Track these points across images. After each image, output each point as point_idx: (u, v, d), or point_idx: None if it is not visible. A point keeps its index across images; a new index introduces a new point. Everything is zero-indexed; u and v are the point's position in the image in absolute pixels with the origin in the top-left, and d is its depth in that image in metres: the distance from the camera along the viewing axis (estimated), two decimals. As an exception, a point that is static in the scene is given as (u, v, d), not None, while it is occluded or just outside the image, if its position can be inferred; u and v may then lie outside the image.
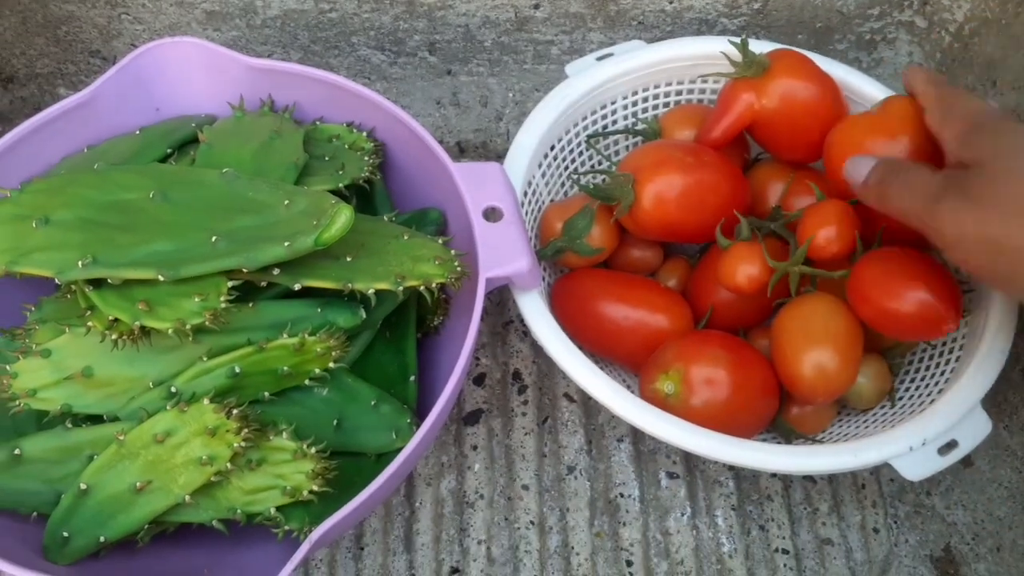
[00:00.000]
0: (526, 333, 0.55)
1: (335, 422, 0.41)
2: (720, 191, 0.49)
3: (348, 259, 0.40)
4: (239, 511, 0.38)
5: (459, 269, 0.41)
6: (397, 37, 0.60)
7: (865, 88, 0.52)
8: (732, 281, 0.47)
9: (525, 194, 0.50)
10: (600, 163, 0.55)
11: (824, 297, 0.47)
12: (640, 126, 0.55)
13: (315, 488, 0.38)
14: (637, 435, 0.52)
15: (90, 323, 0.37)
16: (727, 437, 0.42)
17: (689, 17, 0.60)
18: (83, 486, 0.37)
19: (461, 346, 0.40)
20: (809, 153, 0.51)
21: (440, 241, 0.43)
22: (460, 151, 0.62)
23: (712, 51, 0.51)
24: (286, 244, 0.37)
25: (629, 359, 0.51)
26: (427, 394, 0.45)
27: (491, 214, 0.44)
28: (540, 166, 0.51)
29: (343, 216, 0.38)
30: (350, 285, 0.39)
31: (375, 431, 0.41)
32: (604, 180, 0.49)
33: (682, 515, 0.49)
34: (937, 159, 0.44)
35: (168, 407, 0.38)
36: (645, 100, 0.55)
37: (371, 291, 0.39)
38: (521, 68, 0.63)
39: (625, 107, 0.54)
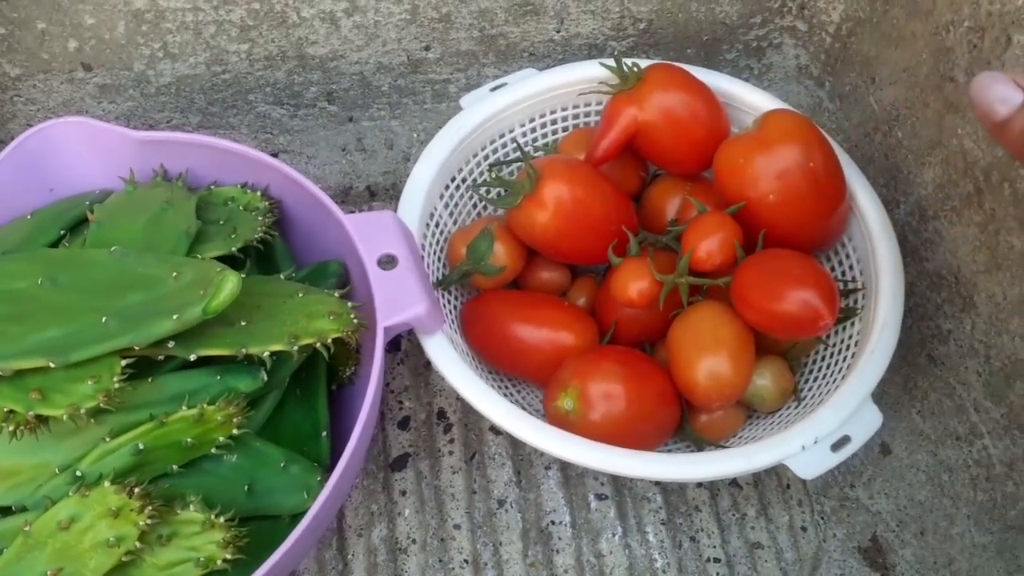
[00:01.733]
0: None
1: (246, 487, 0.41)
2: (612, 206, 0.50)
3: (243, 323, 0.40)
4: None
5: (355, 322, 0.41)
6: (294, 91, 0.61)
7: (748, 96, 0.54)
8: (625, 296, 0.48)
9: (428, 226, 0.50)
10: (488, 195, 0.56)
11: (713, 305, 0.48)
12: (539, 152, 0.56)
13: (228, 556, 0.38)
14: (563, 461, 0.52)
15: None
16: (619, 450, 0.43)
17: (578, 44, 0.61)
18: None
19: (353, 405, 0.41)
20: (695, 163, 0.53)
21: (337, 294, 0.43)
22: (371, 195, 0.63)
23: (601, 74, 0.53)
24: (175, 317, 0.38)
25: (538, 377, 0.52)
26: (343, 446, 0.46)
27: (387, 263, 0.44)
28: (442, 197, 0.52)
29: (229, 283, 0.38)
30: (244, 350, 0.39)
31: (286, 492, 0.42)
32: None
33: (613, 535, 0.50)
34: (825, 179, 0.46)
35: (71, 492, 0.38)
36: (543, 126, 0.56)
37: (266, 354, 0.39)
38: (422, 108, 0.64)
39: (524, 134, 0.55)
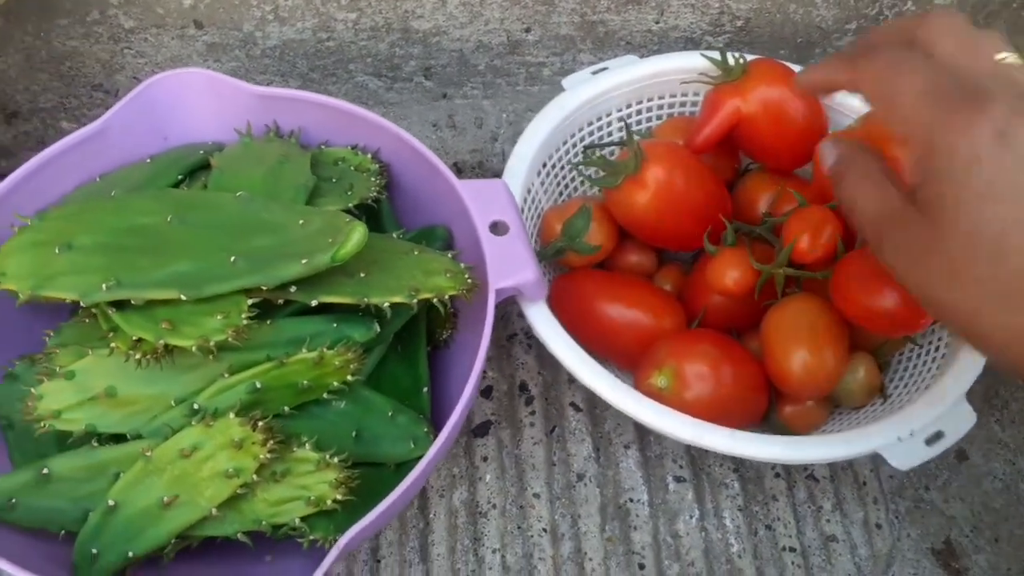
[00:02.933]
0: (531, 345, 0.56)
1: (354, 434, 0.42)
2: (709, 194, 0.51)
3: (362, 275, 0.41)
4: (264, 523, 0.39)
5: (470, 281, 0.42)
6: (393, 63, 0.62)
7: (846, 98, 0.54)
8: (720, 284, 0.49)
9: (525, 201, 0.51)
10: (589, 173, 0.57)
11: (810, 297, 0.49)
12: (634, 137, 0.56)
13: (339, 497, 0.39)
14: (643, 441, 0.53)
15: (113, 344, 0.38)
16: (723, 428, 0.44)
17: (675, 36, 0.62)
18: (111, 503, 0.38)
19: (470, 358, 0.42)
20: (792, 159, 0.54)
21: (449, 255, 0.44)
22: (457, 171, 0.64)
23: (701, 64, 0.53)
24: (303, 261, 0.38)
25: (623, 356, 0.52)
26: (438, 405, 0.47)
27: (496, 228, 0.45)
28: (539, 175, 0.53)
29: (357, 233, 0.39)
30: (366, 300, 0.40)
31: (393, 441, 0.42)
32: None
33: (691, 517, 0.50)
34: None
35: (193, 423, 0.39)
36: (639, 112, 0.57)
37: (386, 304, 0.40)
38: (514, 89, 0.65)
39: (619, 119, 0.56)
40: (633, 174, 0.49)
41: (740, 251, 0.49)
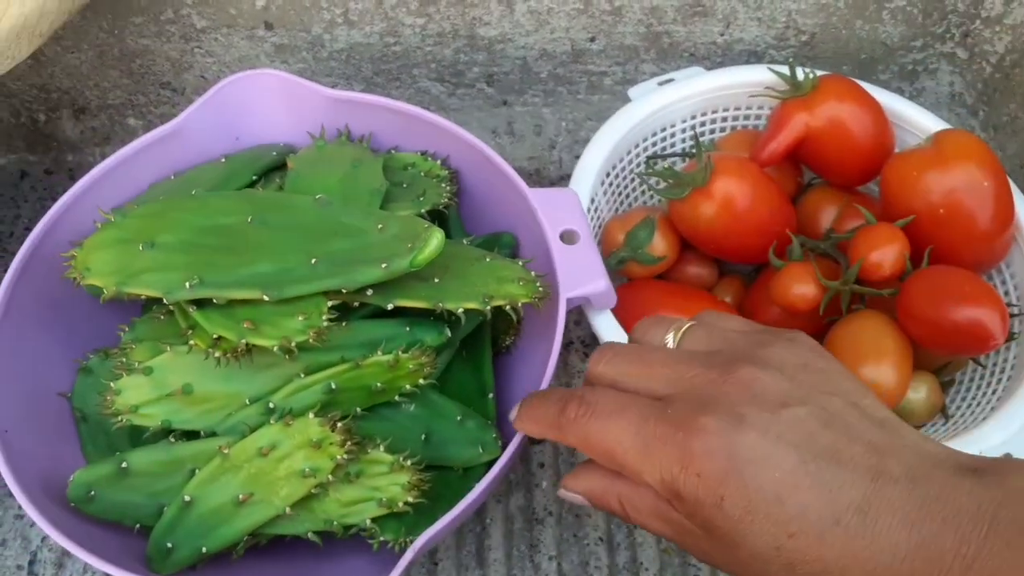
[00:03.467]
0: (587, 354, 0.57)
1: (423, 437, 0.42)
2: (776, 208, 0.51)
3: (436, 280, 0.42)
4: (335, 523, 0.39)
5: (541, 289, 0.42)
6: (457, 69, 0.63)
7: (909, 113, 0.54)
8: (786, 299, 0.49)
9: (588, 210, 0.52)
10: (656, 184, 0.57)
11: (874, 315, 0.49)
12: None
13: (410, 500, 0.39)
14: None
15: (192, 342, 0.39)
16: None
17: (739, 49, 0.62)
18: (187, 498, 0.39)
19: (533, 365, 0.42)
20: (857, 175, 0.54)
21: (520, 263, 0.44)
22: (515, 178, 0.64)
23: (767, 78, 0.54)
24: (383, 266, 0.39)
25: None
26: (501, 411, 0.47)
27: (567, 237, 0.45)
28: (603, 184, 0.53)
29: (436, 239, 0.39)
30: (441, 305, 0.40)
31: (462, 445, 0.43)
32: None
33: (747, 531, 0.50)
34: (996, 201, 0.46)
35: (272, 421, 0.39)
36: (703, 124, 0.57)
37: (460, 310, 0.41)
38: (575, 98, 0.65)
39: (684, 130, 0.56)
40: (701, 186, 0.49)
41: (807, 266, 0.49)
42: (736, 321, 0.35)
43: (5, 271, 0.42)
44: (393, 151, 0.51)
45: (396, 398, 0.42)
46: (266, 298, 0.38)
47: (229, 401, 0.41)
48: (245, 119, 0.51)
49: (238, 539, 0.39)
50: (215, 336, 0.38)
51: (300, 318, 0.38)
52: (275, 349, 0.38)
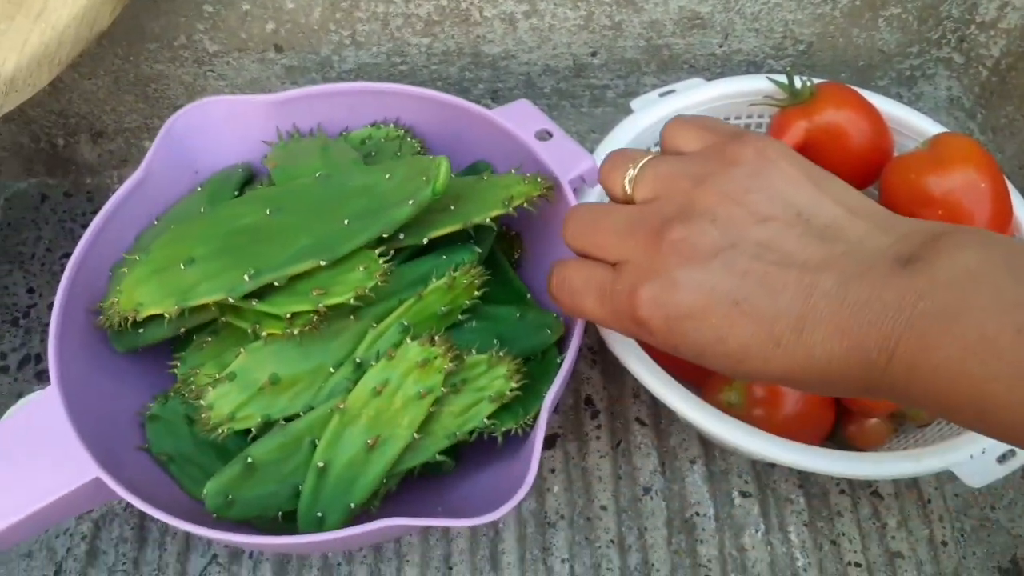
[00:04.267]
0: (595, 361, 0.58)
1: (495, 342, 0.45)
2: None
3: (452, 208, 0.45)
4: (457, 434, 0.42)
5: (546, 182, 0.46)
6: (463, 86, 0.64)
7: (906, 118, 0.55)
8: None
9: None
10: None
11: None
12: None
13: (515, 385, 0.42)
14: (709, 456, 0.54)
15: (265, 333, 0.41)
16: (797, 444, 0.45)
17: (738, 60, 0.63)
18: (320, 464, 0.41)
19: (546, 268, 0.46)
20: (858, 180, 0.54)
21: (512, 171, 0.48)
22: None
23: (766, 87, 0.55)
24: (410, 203, 0.42)
25: (690, 374, 0.53)
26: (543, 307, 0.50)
27: (541, 136, 0.49)
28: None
29: (444, 164, 0.43)
30: (471, 221, 0.44)
31: (530, 335, 0.46)
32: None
33: (756, 531, 0.51)
34: (994, 202, 0.47)
35: (373, 362, 0.42)
36: (703, 137, 0.58)
37: (488, 220, 0.44)
38: (578, 111, 0.67)
39: (686, 143, 0.57)
40: None
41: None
42: (683, 156, 0.37)
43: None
44: (344, 134, 0.53)
45: (460, 317, 0.45)
46: (323, 263, 0.40)
47: (315, 376, 0.43)
48: (199, 150, 0.52)
49: (378, 484, 0.41)
50: (288, 316, 0.40)
51: (360, 269, 0.41)
52: (351, 301, 0.40)
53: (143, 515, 0.52)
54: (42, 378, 0.59)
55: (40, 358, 0.59)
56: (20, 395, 0.55)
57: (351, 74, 0.63)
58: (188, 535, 0.51)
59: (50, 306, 0.61)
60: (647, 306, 0.33)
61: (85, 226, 0.66)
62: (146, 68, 0.61)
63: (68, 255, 0.63)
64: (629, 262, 0.35)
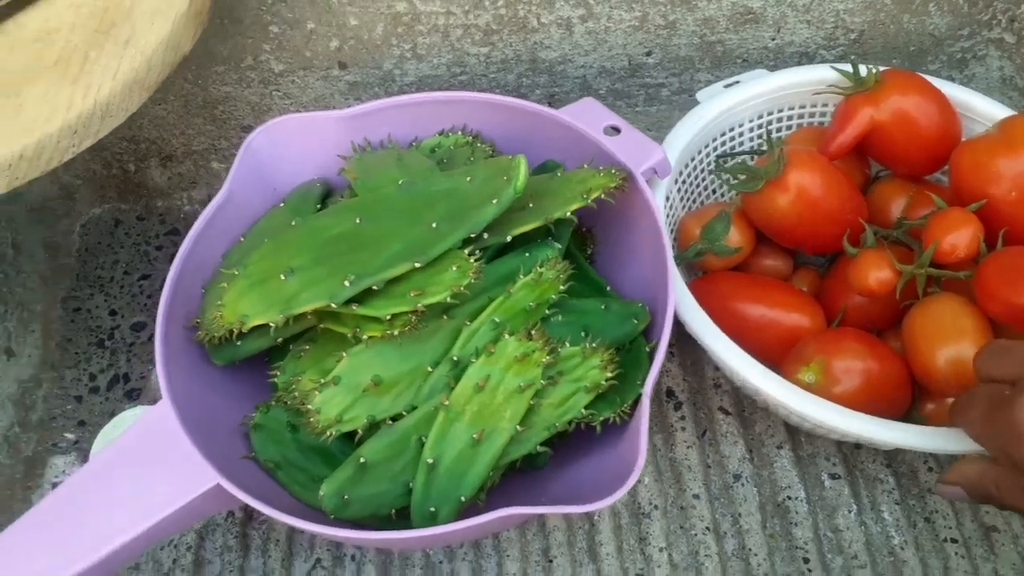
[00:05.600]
0: (673, 353, 0.58)
1: (583, 334, 0.46)
2: (847, 198, 0.53)
3: (531, 205, 0.46)
4: (556, 425, 0.43)
5: (620, 173, 0.47)
6: (520, 92, 0.65)
7: (970, 101, 0.56)
8: (864, 285, 0.51)
9: (664, 208, 0.54)
10: (731, 179, 0.59)
11: (953, 296, 0.50)
12: (765, 147, 0.59)
13: (610, 374, 0.43)
14: (795, 441, 0.55)
15: (366, 336, 0.42)
16: (884, 420, 0.45)
17: (790, 52, 0.65)
18: (430, 460, 0.42)
19: (620, 258, 0.50)
20: (924, 165, 0.56)
21: (584, 166, 0.49)
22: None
23: (829, 76, 0.56)
24: (494, 202, 0.44)
25: (763, 355, 0.54)
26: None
27: (610, 132, 0.50)
28: (676, 182, 0.56)
29: (522, 162, 0.44)
30: (552, 216, 0.45)
31: (618, 325, 0.47)
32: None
33: (849, 512, 0.52)
34: None
35: (473, 359, 0.43)
36: (769, 123, 0.59)
37: (568, 213, 0.45)
38: (633, 111, 0.68)
39: (751, 129, 0.59)
40: (775, 178, 0.51)
41: (882, 252, 0.51)
42: None
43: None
44: (413, 144, 0.54)
45: (547, 312, 0.46)
46: (417, 265, 0.42)
47: (415, 376, 0.44)
48: (276, 168, 0.53)
49: (486, 477, 0.43)
50: (388, 318, 0.42)
51: (453, 268, 0.42)
52: (448, 299, 0.42)
53: (245, 523, 0.53)
54: (131, 396, 0.60)
55: (128, 377, 0.61)
56: (112, 414, 0.56)
57: (412, 87, 0.64)
58: (291, 541, 0.52)
59: (132, 327, 0.63)
60: None
61: (159, 248, 0.68)
62: (214, 91, 0.63)
63: (146, 277, 0.65)
64: None
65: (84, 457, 0.58)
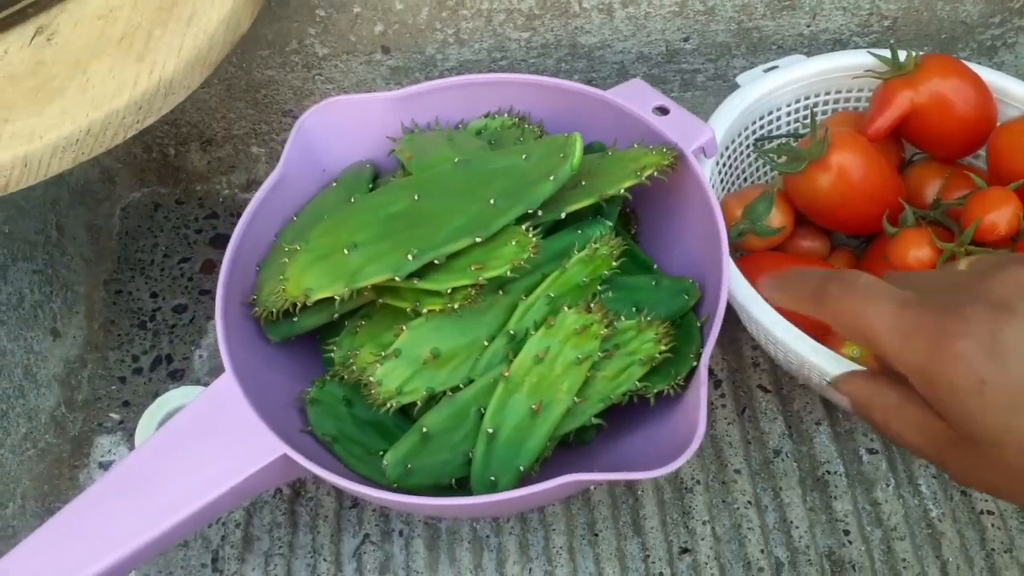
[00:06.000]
0: (712, 333, 0.59)
1: (634, 309, 0.47)
2: (887, 179, 0.54)
3: (583, 183, 0.47)
4: (611, 397, 0.44)
5: (671, 152, 0.48)
6: (559, 77, 0.66)
7: (1007, 85, 0.57)
8: (904, 263, 0.52)
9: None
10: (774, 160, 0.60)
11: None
12: (803, 130, 0.60)
13: (664, 348, 0.45)
14: (833, 418, 0.56)
15: (426, 309, 0.43)
16: None
17: (824, 38, 0.66)
18: (490, 430, 0.43)
19: (665, 238, 0.51)
20: (962, 147, 0.57)
21: (634, 145, 0.49)
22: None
23: (867, 61, 0.57)
24: (551, 178, 0.45)
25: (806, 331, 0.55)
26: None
27: (659, 112, 0.51)
28: (717, 164, 0.57)
29: (578, 141, 0.45)
30: (606, 193, 0.46)
31: (669, 300, 0.48)
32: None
33: (887, 486, 0.53)
34: None
35: (532, 331, 0.44)
36: (806, 108, 0.60)
37: (621, 191, 0.46)
38: (669, 96, 0.68)
39: (788, 113, 0.60)
40: (817, 159, 0.52)
41: (922, 231, 0.52)
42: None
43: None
44: (460, 126, 0.55)
45: (599, 287, 0.47)
46: (478, 239, 0.43)
47: (472, 349, 0.45)
48: (325, 149, 0.54)
49: (543, 447, 0.44)
50: (448, 291, 0.43)
51: (513, 243, 0.43)
52: (508, 273, 0.43)
53: (293, 500, 0.54)
54: (175, 377, 0.61)
55: (171, 358, 0.62)
56: (156, 394, 0.57)
57: (452, 72, 0.65)
58: (339, 517, 0.53)
59: (174, 309, 0.64)
60: (970, 321, 0.29)
61: (199, 231, 0.69)
62: (257, 74, 0.64)
63: (185, 260, 0.66)
64: (948, 287, 0.33)
65: (129, 437, 0.59)
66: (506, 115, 0.55)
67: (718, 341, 0.59)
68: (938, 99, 0.54)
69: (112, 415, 0.60)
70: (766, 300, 0.43)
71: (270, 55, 0.63)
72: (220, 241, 0.67)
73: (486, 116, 0.55)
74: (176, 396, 0.56)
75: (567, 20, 0.62)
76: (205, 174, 0.69)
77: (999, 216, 0.50)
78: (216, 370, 0.60)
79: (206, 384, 0.50)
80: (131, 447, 0.58)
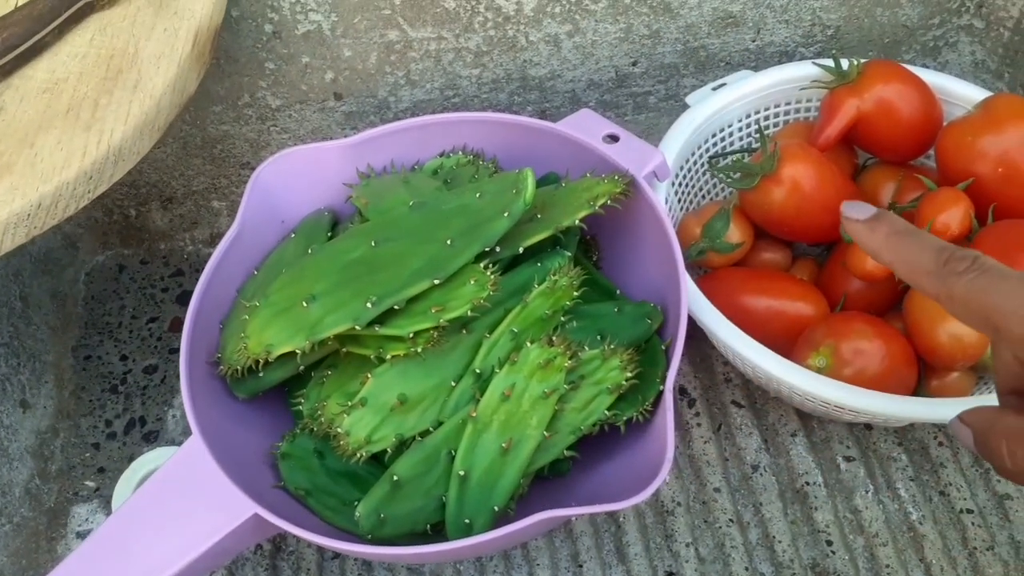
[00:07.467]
0: (682, 352, 0.60)
1: (599, 337, 0.47)
2: (840, 188, 0.55)
3: (539, 216, 0.47)
4: (581, 428, 0.44)
5: (623, 179, 0.48)
6: (512, 110, 0.67)
7: (950, 86, 0.58)
8: (862, 270, 0.53)
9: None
10: (727, 177, 0.61)
11: (948, 275, 0.52)
12: (755, 144, 0.61)
13: (630, 374, 0.45)
14: (808, 428, 0.56)
15: (389, 355, 0.43)
16: (898, 396, 0.47)
17: (770, 52, 0.66)
18: (461, 472, 0.43)
19: (626, 262, 0.50)
20: (910, 150, 0.57)
21: (587, 174, 0.50)
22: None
23: (813, 72, 0.58)
24: (505, 215, 0.45)
25: (772, 346, 0.56)
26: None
27: (608, 140, 0.51)
28: (673, 185, 0.57)
29: (530, 176, 0.46)
30: (561, 225, 0.46)
31: (632, 326, 0.48)
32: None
33: (866, 492, 0.53)
34: None
35: (496, 369, 0.44)
36: (756, 122, 0.61)
37: (576, 221, 0.46)
38: (622, 120, 0.70)
39: (740, 129, 0.60)
40: (770, 173, 0.53)
41: (878, 237, 0.52)
42: None
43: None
44: (415, 167, 0.55)
45: (562, 319, 0.47)
46: (437, 281, 0.43)
47: (439, 392, 0.46)
48: (282, 200, 0.54)
49: (517, 484, 0.44)
50: (411, 335, 0.43)
51: (472, 282, 0.43)
52: (468, 313, 0.43)
53: (274, 555, 0.54)
54: (149, 439, 0.60)
55: (144, 420, 0.61)
56: (131, 458, 0.57)
57: (407, 112, 0.65)
58: (321, 569, 0.53)
59: (144, 370, 0.64)
60: None
61: (165, 290, 0.69)
62: (212, 130, 0.64)
63: (153, 319, 0.66)
64: None
65: (106, 504, 0.58)
66: (460, 153, 0.55)
67: (689, 359, 0.60)
68: (883, 105, 0.55)
69: (87, 483, 0.60)
70: (847, 231, 0.37)
71: (223, 110, 0.63)
72: (187, 298, 0.66)
73: (441, 155, 0.55)
74: (151, 459, 0.56)
75: (515, 54, 0.63)
76: (168, 232, 0.69)
77: (950, 217, 0.51)
78: (190, 429, 0.60)
79: (180, 444, 0.49)
80: (108, 514, 0.57)
